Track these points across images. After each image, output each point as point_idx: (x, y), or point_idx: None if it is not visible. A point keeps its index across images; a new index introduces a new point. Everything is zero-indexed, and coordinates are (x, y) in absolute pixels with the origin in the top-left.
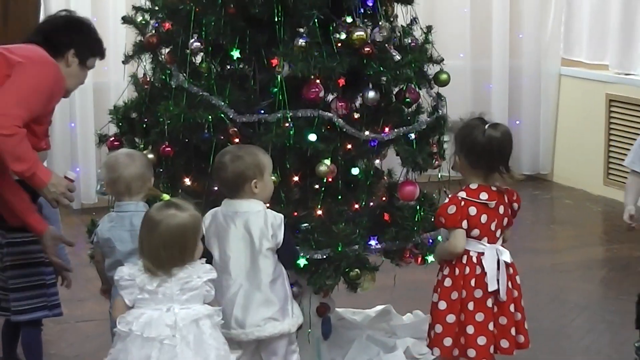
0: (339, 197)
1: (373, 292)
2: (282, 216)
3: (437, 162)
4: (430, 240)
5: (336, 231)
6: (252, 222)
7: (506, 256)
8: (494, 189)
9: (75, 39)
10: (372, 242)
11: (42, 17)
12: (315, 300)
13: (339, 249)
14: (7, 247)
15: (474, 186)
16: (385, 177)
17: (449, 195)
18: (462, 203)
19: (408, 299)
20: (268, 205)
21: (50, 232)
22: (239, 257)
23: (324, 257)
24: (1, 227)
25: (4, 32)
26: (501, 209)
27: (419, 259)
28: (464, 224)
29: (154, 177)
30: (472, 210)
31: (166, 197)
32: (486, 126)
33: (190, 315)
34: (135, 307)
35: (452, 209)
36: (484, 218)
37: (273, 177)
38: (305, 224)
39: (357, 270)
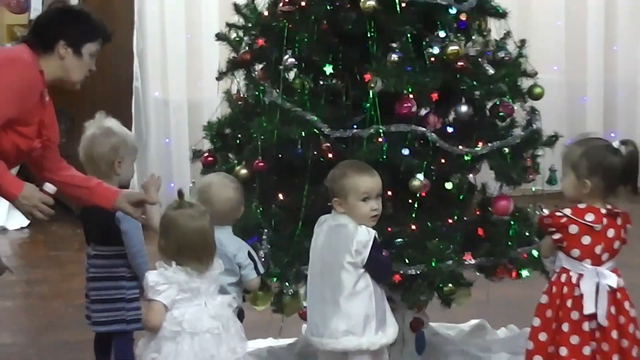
0: (433, 212)
1: (467, 307)
2: (374, 234)
3: (531, 177)
4: (525, 255)
5: (430, 247)
6: (340, 236)
7: (611, 280)
8: (603, 211)
9: (63, 29)
10: (466, 258)
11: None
12: (409, 315)
13: (433, 265)
14: (94, 259)
15: (582, 206)
16: (479, 192)
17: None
18: (563, 219)
19: (502, 314)
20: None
21: (27, 190)
22: (322, 267)
23: (418, 272)
24: (92, 240)
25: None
26: (610, 233)
27: (514, 274)
28: (556, 236)
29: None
30: (573, 229)
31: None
32: (614, 144)
33: (222, 305)
34: (174, 308)
35: (548, 220)
36: (586, 239)
37: (372, 204)
38: (398, 240)
39: (451, 285)
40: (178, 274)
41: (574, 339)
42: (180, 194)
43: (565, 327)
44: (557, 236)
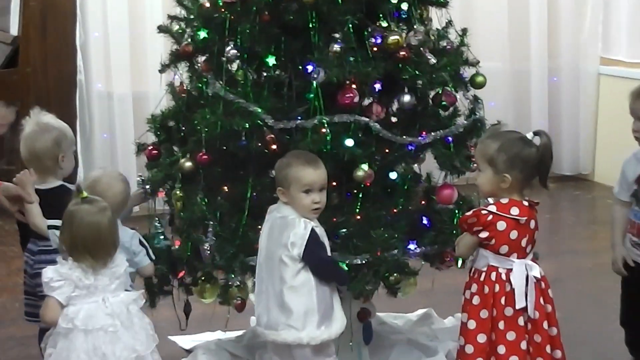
0: (377, 202)
1: (414, 296)
2: (312, 229)
3: (474, 165)
4: None
5: (375, 236)
6: (281, 228)
7: (536, 271)
8: (525, 203)
9: None
10: (411, 247)
11: (78, 31)
12: (356, 305)
13: (378, 254)
14: (39, 255)
15: (504, 201)
16: (424, 181)
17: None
18: (490, 217)
19: (449, 302)
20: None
21: None
22: (266, 259)
23: (363, 262)
24: (35, 236)
25: (43, 47)
26: (532, 224)
27: (459, 262)
28: (483, 234)
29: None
30: (501, 225)
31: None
32: (528, 135)
33: (123, 301)
34: (70, 305)
35: (472, 220)
36: (513, 234)
37: (314, 196)
38: (343, 230)
39: (396, 274)
40: (73, 270)
41: (511, 335)
42: (79, 189)
43: (501, 324)
44: (484, 234)
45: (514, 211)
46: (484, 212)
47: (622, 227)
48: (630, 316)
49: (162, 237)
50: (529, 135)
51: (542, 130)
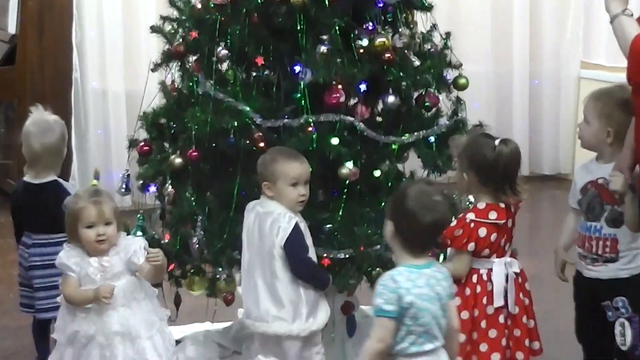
0: (362, 199)
1: None
2: (295, 224)
3: (453, 150)
4: None
5: (358, 232)
6: (271, 222)
7: (515, 267)
8: (502, 205)
9: None
10: None
11: (74, 30)
12: (340, 299)
13: (361, 250)
14: (33, 248)
15: (481, 205)
16: (407, 179)
17: (458, 217)
18: (472, 225)
19: None
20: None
21: None
22: (254, 254)
23: (347, 257)
24: (29, 229)
25: (40, 45)
26: (509, 223)
27: (440, 258)
28: (471, 246)
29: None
30: (482, 232)
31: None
32: (496, 142)
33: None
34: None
35: (458, 232)
36: (493, 237)
37: (300, 189)
38: (328, 226)
39: (379, 269)
40: (75, 253)
41: (492, 333)
42: (96, 176)
43: (483, 323)
44: (472, 246)
45: (492, 215)
46: (467, 221)
47: (569, 234)
48: (582, 331)
49: (140, 232)
50: (496, 142)
51: (508, 139)
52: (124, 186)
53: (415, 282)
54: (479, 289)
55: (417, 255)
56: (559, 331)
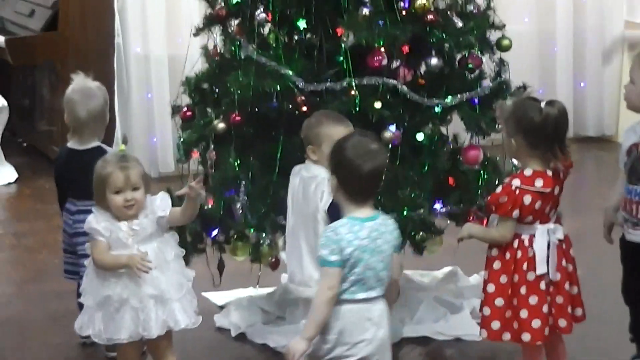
0: (405, 162)
1: (439, 254)
2: None
3: (500, 122)
4: None
5: (401, 196)
6: (315, 187)
7: (560, 233)
8: (549, 173)
9: None
10: (437, 206)
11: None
12: None
13: (405, 213)
14: (78, 215)
15: (528, 172)
16: (450, 142)
17: (504, 183)
18: (517, 192)
19: (474, 260)
20: None
21: None
22: (298, 218)
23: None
24: (73, 196)
25: (82, 10)
26: (556, 190)
27: (484, 222)
28: (516, 213)
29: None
30: (527, 199)
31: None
32: (542, 104)
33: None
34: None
35: (503, 199)
36: (538, 205)
37: None
38: None
39: (422, 233)
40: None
41: (533, 299)
42: (124, 140)
43: (523, 289)
44: (516, 213)
45: (539, 183)
46: (512, 187)
47: (618, 195)
48: (628, 292)
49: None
50: (542, 104)
51: (555, 100)
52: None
53: (357, 234)
54: (519, 254)
55: (360, 204)
56: (603, 290)
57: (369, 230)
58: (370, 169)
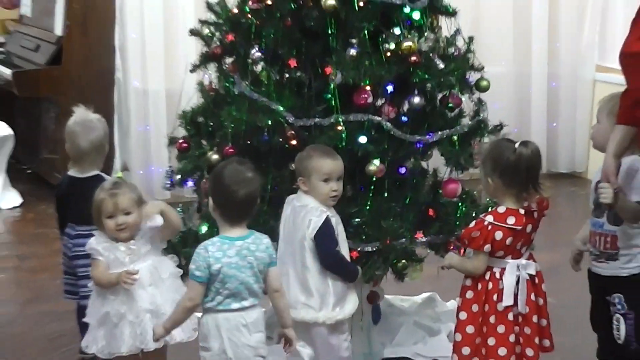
0: (388, 194)
1: (419, 281)
2: (326, 218)
3: (477, 162)
4: None
5: (385, 226)
6: (303, 216)
7: (531, 269)
8: (522, 211)
9: None
10: (418, 236)
11: (117, 33)
12: (366, 288)
13: (388, 242)
14: (77, 239)
15: (502, 209)
16: (431, 176)
17: (478, 219)
18: (489, 227)
19: (451, 287)
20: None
21: None
22: (287, 244)
23: (374, 249)
24: (73, 221)
25: (84, 46)
26: (529, 228)
27: (461, 251)
28: (487, 247)
29: None
30: (498, 235)
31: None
32: (516, 144)
33: (149, 265)
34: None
35: (476, 234)
36: (509, 241)
37: (332, 185)
38: (356, 219)
39: (404, 261)
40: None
41: (501, 329)
42: (125, 168)
43: (492, 319)
44: (488, 247)
45: (510, 220)
46: (485, 223)
47: (586, 227)
48: (594, 321)
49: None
50: (517, 145)
51: (529, 141)
52: (168, 182)
53: (225, 252)
54: (490, 285)
55: (234, 225)
56: (576, 321)
57: (238, 248)
58: (245, 194)
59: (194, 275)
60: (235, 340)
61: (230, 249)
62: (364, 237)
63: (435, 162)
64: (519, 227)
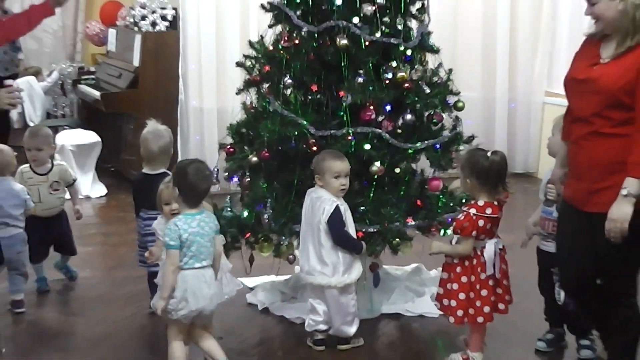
0: (386, 188)
1: (409, 255)
2: (337, 207)
3: (455, 164)
4: (449, 219)
5: (383, 213)
6: (319, 205)
7: (500, 244)
8: (495, 203)
9: None
10: (409, 221)
11: (180, 64)
12: (369, 260)
13: (386, 225)
14: (147, 220)
15: (481, 203)
16: (419, 175)
17: (464, 212)
18: (474, 217)
19: (434, 260)
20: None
21: None
22: (307, 227)
23: (375, 230)
24: (145, 207)
25: (155, 74)
26: (499, 214)
27: (441, 232)
28: (474, 233)
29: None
30: (481, 223)
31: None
32: (489, 153)
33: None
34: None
35: (466, 224)
36: (488, 226)
37: (341, 180)
38: (362, 207)
39: (397, 240)
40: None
41: (484, 292)
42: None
43: (477, 286)
44: (474, 233)
45: (488, 210)
46: (471, 215)
47: (537, 215)
48: (541, 287)
49: (228, 209)
50: (489, 154)
51: (498, 151)
52: (215, 178)
53: (190, 224)
54: (475, 261)
55: (192, 207)
56: (528, 287)
57: (198, 221)
58: (205, 187)
59: (170, 245)
60: (197, 292)
61: (192, 222)
62: (367, 221)
63: (423, 164)
64: (495, 216)
